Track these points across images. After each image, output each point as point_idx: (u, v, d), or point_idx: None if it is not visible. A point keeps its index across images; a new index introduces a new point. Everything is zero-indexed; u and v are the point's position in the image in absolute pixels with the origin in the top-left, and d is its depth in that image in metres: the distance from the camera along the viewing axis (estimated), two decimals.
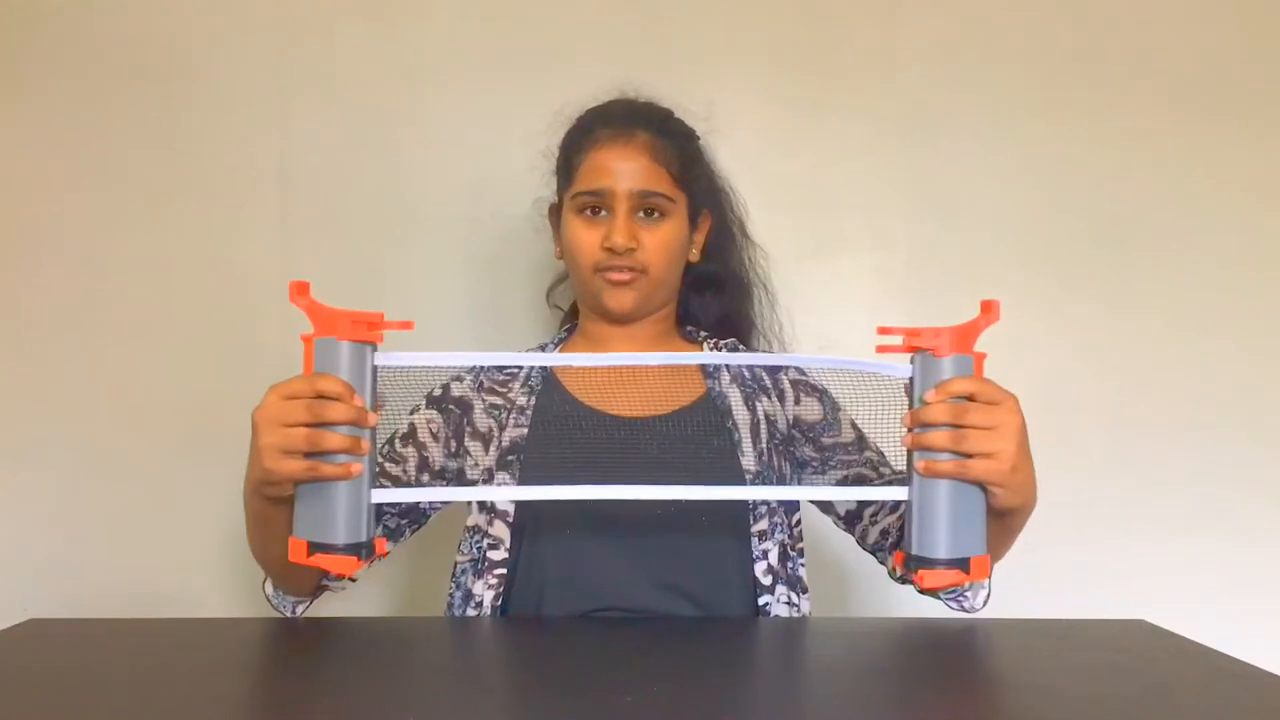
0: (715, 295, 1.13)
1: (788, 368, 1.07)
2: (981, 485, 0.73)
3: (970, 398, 0.72)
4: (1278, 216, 1.38)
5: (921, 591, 0.95)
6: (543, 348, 1.12)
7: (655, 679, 0.70)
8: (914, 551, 0.74)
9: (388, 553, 0.96)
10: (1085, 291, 1.38)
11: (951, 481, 0.73)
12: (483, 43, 1.37)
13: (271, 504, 0.79)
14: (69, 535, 1.34)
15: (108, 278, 1.34)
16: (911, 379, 0.74)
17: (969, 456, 0.72)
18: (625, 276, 0.99)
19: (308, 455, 0.74)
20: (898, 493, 0.76)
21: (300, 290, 0.73)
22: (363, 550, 0.75)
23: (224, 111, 1.36)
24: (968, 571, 0.73)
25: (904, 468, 0.78)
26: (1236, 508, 1.37)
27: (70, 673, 0.72)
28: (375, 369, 0.75)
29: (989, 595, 0.93)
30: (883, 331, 0.73)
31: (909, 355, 0.74)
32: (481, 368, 1.06)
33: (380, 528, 0.97)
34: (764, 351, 1.14)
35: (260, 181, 1.36)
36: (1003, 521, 0.79)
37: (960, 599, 0.93)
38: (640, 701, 0.64)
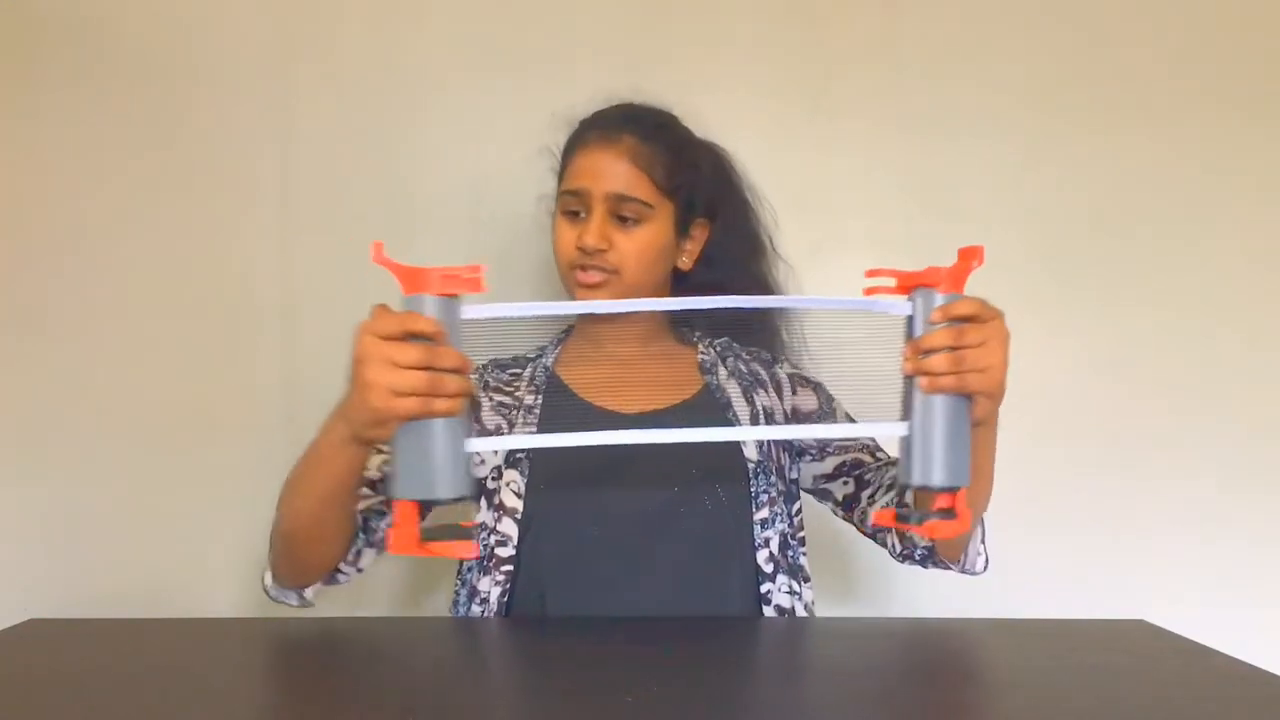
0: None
1: (783, 361, 1.09)
2: (972, 396, 0.75)
3: (969, 319, 0.74)
4: None
5: (926, 558, 0.96)
6: (541, 349, 1.13)
7: (655, 679, 0.70)
8: (915, 481, 0.75)
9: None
10: (1086, 290, 1.38)
11: (947, 409, 0.74)
12: (483, 43, 1.37)
13: (366, 451, 0.79)
14: (69, 535, 1.33)
15: (107, 278, 1.34)
16: (910, 316, 0.76)
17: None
18: (596, 278, 1.00)
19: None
20: (898, 427, 0.77)
21: (380, 249, 0.72)
22: (469, 533, 0.73)
23: (225, 112, 1.35)
24: (956, 494, 0.75)
25: (893, 454, 0.78)
26: (1237, 508, 1.37)
27: (70, 673, 0.72)
28: (460, 322, 0.75)
29: (987, 561, 0.95)
30: (872, 274, 0.75)
31: (908, 294, 0.76)
32: (486, 369, 1.08)
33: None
34: (782, 360, 1.12)
35: (260, 181, 1.36)
36: (975, 425, 0.79)
37: (964, 564, 0.94)
38: (640, 701, 0.64)
